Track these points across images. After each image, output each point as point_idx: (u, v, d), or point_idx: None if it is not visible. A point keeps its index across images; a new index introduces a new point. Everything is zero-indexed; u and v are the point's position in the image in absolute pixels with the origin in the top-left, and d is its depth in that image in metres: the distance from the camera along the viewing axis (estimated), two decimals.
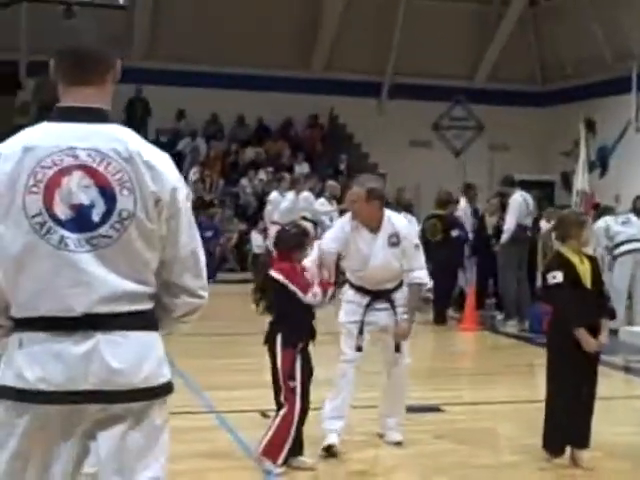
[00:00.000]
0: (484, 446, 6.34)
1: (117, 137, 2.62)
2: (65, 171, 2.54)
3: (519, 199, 12.34)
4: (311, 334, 5.70)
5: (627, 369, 9.59)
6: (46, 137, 2.57)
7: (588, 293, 5.81)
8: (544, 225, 13.56)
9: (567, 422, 5.79)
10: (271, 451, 5.47)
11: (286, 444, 5.46)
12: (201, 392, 7.55)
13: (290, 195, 15.41)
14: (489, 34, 23.48)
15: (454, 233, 12.70)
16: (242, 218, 20.02)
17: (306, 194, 15.55)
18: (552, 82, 24.06)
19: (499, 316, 12.79)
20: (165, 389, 2.66)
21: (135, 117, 21.51)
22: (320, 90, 22.52)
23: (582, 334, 5.66)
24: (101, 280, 2.53)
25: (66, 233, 2.53)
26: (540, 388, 6.40)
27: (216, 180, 21.15)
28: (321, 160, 22.75)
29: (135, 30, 21.58)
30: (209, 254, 16.94)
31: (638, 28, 20.08)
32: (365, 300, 6.19)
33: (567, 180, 20.29)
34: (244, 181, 21.27)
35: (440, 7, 22.60)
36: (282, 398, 5.53)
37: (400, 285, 6.26)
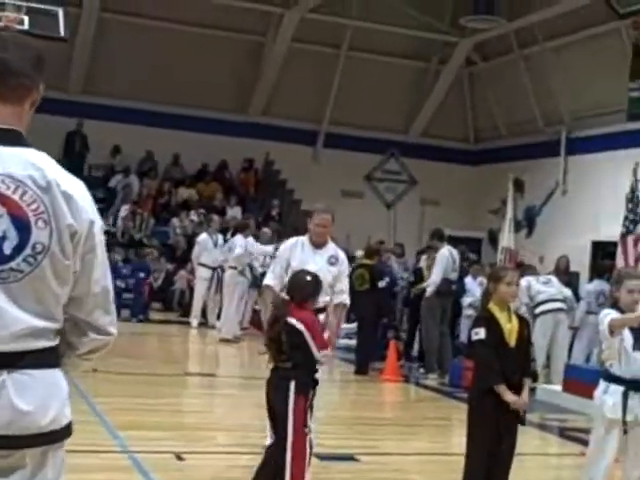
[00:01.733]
0: None
1: (34, 163, 2.39)
2: None
3: (446, 253, 12.55)
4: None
5: (543, 427, 9.72)
6: None
7: (511, 352, 5.88)
8: (469, 281, 13.77)
9: (486, 477, 5.83)
10: None
11: None
12: (115, 431, 7.43)
13: (240, 240, 15.36)
14: (426, 90, 23.92)
15: (381, 284, 12.80)
16: (169, 258, 19.91)
17: (251, 239, 15.52)
18: (484, 141, 24.56)
19: (421, 369, 12.88)
20: (67, 431, 2.48)
21: (73, 151, 21.40)
22: (256, 135, 22.66)
23: (502, 389, 5.72)
24: (7, 316, 2.34)
25: None
26: (456, 441, 6.45)
27: (146, 218, 21.03)
28: (254, 204, 22.81)
29: (74, 63, 21.48)
30: (139, 294, 16.82)
31: (569, 95, 20.66)
32: None
33: (494, 237, 20.67)
34: (175, 221, 21.20)
35: (379, 61, 22.97)
36: (288, 444, 5.44)
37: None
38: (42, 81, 2.51)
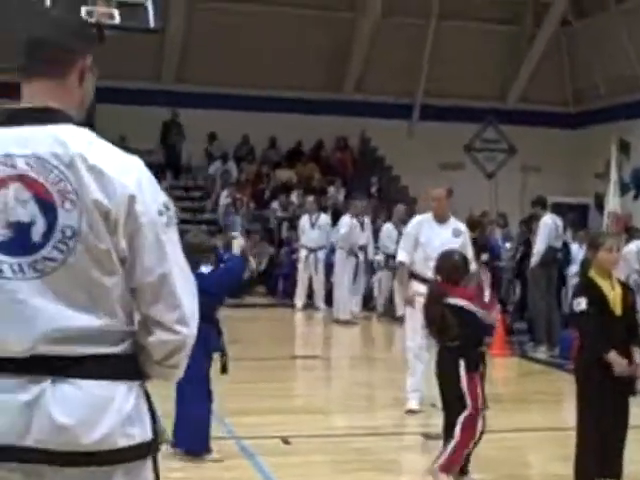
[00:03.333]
0: (513, 473, 6.25)
1: (60, 139, 2.15)
2: (1, 183, 2.14)
3: (549, 221, 12.21)
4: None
5: None
6: None
7: (616, 320, 5.66)
8: (575, 249, 13.38)
9: (599, 452, 5.64)
10: (448, 467, 5.65)
11: (461, 461, 5.72)
12: (222, 418, 7.43)
13: (346, 219, 15.37)
14: (520, 55, 23.39)
15: (483, 257, 12.54)
16: (271, 242, 19.95)
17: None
18: (585, 103, 23.88)
19: (530, 342, 12.60)
20: (134, 453, 2.16)
21: (170, 141, 21.70)
22: (351, 112, 22.52)
23: (612, 357, 5.50)
24: (46, 313, 2.09)
25: (1, 257, 2.12)
26: (570, 414, 6.25)
27: (247, 203, 21.14)
28: (353, 183, 22.71)
29: (166, 52, 21.73)
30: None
31: None
32: (425, 289, 7.19)
33: (601, 202, 20.05)
34: (275, 204, 21.24)
35: (470, 28, 22.55)
36: (462, 418, 5.66)
37: None
38: (89, 50, 2.31)
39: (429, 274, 7.69)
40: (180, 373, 2.30)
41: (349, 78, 23.05)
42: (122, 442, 2.14)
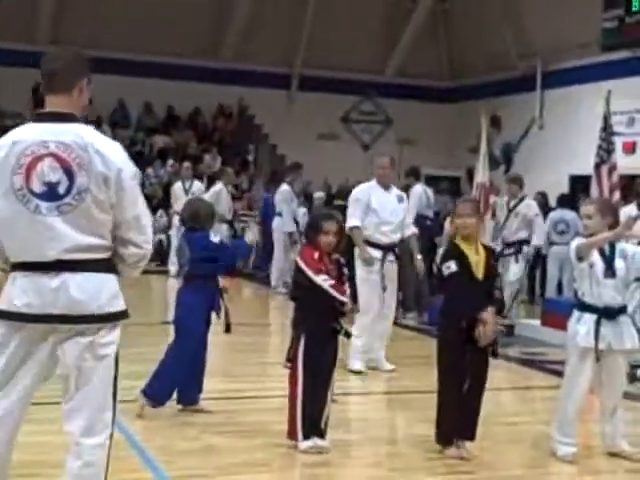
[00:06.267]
0: (378, 435, 6.39)
1: (77, 133, 3.55)
2: (40, 158, 3.52)
3: (419, 190, 12.49)
4: None
5: (521, 361, 9.70)
6: (28, 133, 3.57)
7: (479, 284, 5.81)
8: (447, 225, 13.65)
9: (455, 414, 5.80)
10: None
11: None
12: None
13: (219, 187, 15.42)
14: (399, 28, 23.62)
15: None
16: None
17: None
18: (460, 78, 24.32)
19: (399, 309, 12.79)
20: (116, 316, 3.61)
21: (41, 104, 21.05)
22: (229, 80, 22.36)
23: (485, 315, 5.66)
24: (67, 236, 3.51)
25: (40, 202, 3.51)
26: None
27: None
28: (229, 151, 22.57)
29: (40, 12, 21.07)
30: None
31: (543, 28, 20.43)
32: (379, 254, 8.48)
33: (471, 175, 20.50)
34: (150, 170, 20.93)
35: (351, 0, 22.63)
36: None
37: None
38: (85, 75, 3.68)
39: (383, 239, 8.50)
40: (137, 274, 3.76)
41: (227, 45, 22.84)
42: (110, 309, 3.60)
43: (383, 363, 8.77)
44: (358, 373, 8.44)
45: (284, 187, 15.18)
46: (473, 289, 5.78)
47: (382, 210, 8.53)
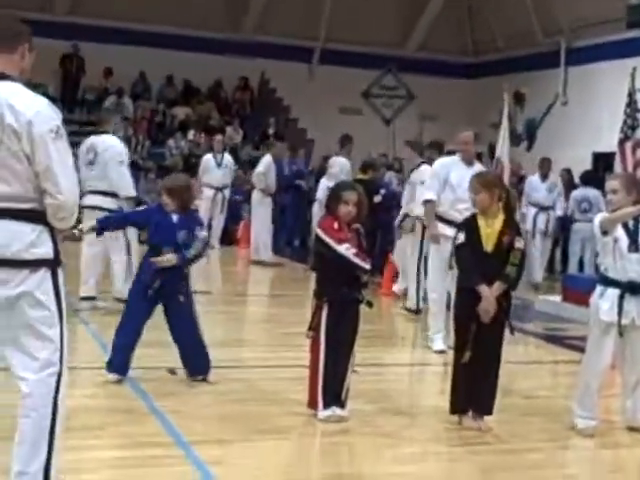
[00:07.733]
0: (397, 405, 6.40)
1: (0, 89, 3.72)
2: None
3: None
4: None
5: (542, 336, 9.72)
6: None
7: (487, 255, 5.80)
8: None
9: (462, 385, 5.81)
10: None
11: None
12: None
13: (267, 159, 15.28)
14: (422, 3, 23.44)
15: (376, 198, 12.63)
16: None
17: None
18: (483, 54, 24.14)
19: None
20: (37, 263, 3.76)
21: (70, 75, 21.12)
22: (251, 53, 22.29)
23: (482, 288, 5.68)
24: None
25: None
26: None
27: (142, 141, 20.78)
28: (250, 123, 22.53)
29: None
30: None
31: (568, 3, 20.23)
32: (452, 232, 7.02)
33: (493, 151, 20.39)
34: (171, 142, 20.92)
35: None
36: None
37: None
38: (25, 39, 3.92)
39: (457, 216, 7.61)
40: (65, 225, 3.86)
41: (250, 18, 22.75)
42: (27, 256, 3.75)
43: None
44: (441, 352, 8.14)
45: (341, 159, 14.51)
46: (478, 262, 5.76)
47: (459, 187, 7.86)
